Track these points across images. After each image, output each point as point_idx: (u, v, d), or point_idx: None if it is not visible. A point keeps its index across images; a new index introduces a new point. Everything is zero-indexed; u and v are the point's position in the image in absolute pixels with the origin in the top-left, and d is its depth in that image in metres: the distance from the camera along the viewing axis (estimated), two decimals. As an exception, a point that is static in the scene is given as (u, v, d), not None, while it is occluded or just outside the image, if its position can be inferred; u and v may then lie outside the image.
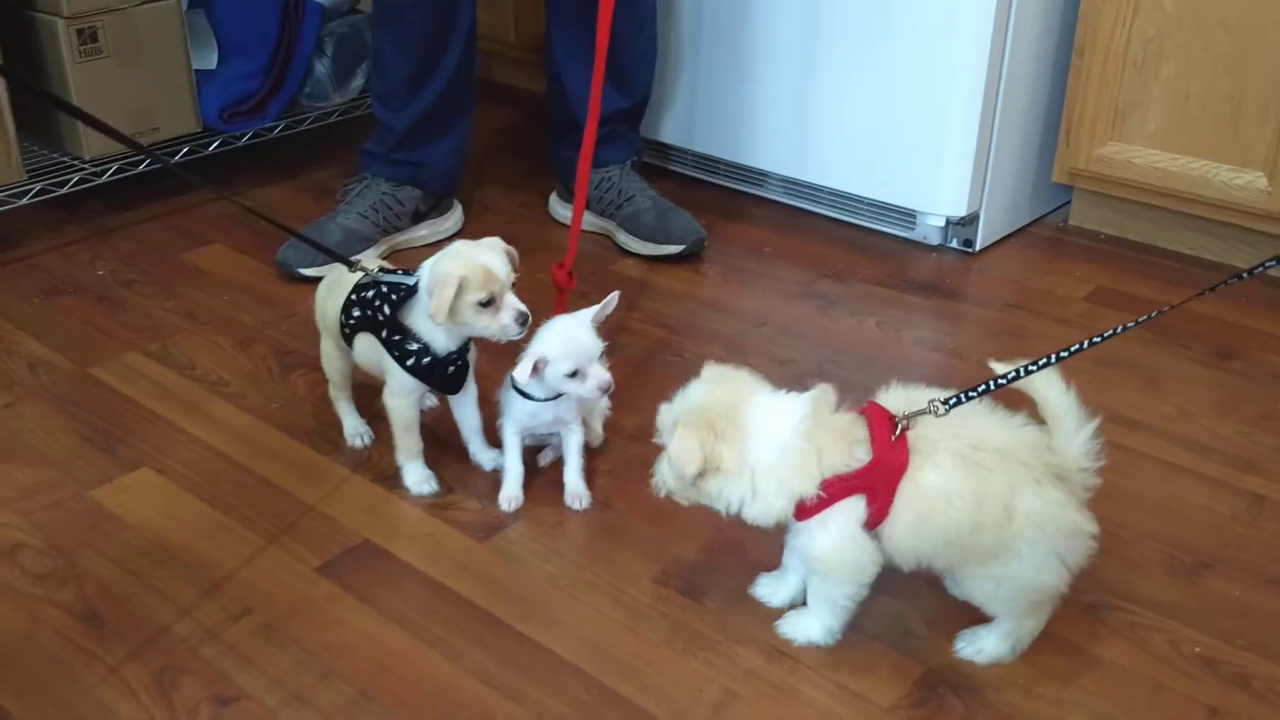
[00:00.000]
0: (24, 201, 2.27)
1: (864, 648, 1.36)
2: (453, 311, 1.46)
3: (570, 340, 1.49)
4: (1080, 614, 1.40)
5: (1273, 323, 2.07)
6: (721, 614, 1.41)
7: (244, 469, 1.67)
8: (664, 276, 2.26)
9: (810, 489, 1.22)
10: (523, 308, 1.50)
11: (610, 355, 1.94)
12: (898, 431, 1.22)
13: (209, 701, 1.28)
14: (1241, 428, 1.78)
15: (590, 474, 1.64)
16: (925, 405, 1.23)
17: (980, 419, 1.25)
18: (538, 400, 1.54)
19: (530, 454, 1.69)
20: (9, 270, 2.22)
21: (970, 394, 1.24)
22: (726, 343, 2.03)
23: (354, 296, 1.57)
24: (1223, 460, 1.70)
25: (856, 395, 1.78)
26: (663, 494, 1.31)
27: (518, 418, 1.57)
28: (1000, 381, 1.24)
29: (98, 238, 2.36)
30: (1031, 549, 1.22)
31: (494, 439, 1.65)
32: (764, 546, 1.52)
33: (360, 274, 1.56)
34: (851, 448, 1.22)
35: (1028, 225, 2.46)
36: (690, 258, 2.30)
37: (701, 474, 1.24)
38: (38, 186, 2.28)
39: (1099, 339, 1.28)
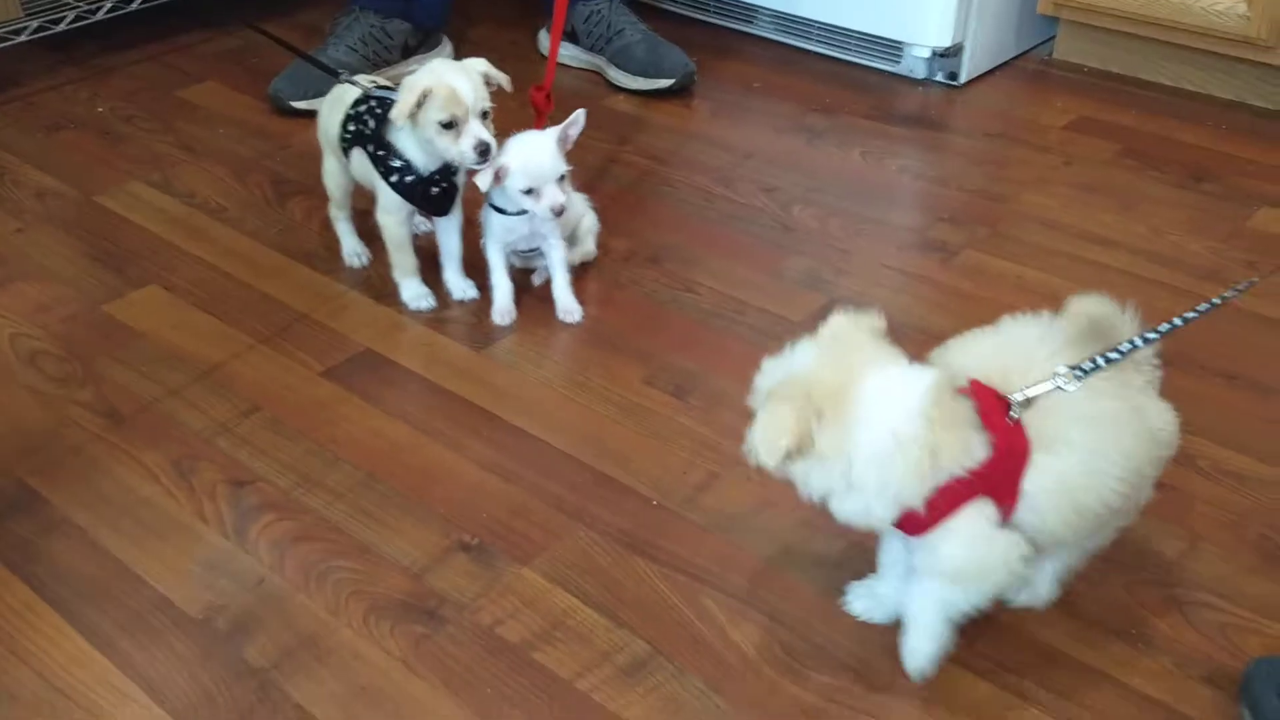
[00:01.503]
0: (22, 39, 2.29)
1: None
2: (415, 121, 1.49)
3: (530, 157, 1.54)
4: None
5: (1247, 148, 2.12)
6: (706, 410, 1.50)
7: (247, 286, 1.74)
8: (654, 111, 2.30)
9: (919, 499, 1.02)
10: (485, 137, 1.50)
11: (601, 184, 2.00)
12: (1013, 415, 1.03)
13: (225, 484, 1.38)
14: (1210, 243, 1.84)
15: (580, 292, 1.71)
16: (1048, 384, 1.03)
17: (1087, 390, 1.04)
18: (510, 214, 1.60)
19: (523, 276, 1.75)
20: (11, 108, 2.26)
21: (1103, 359, 1.05)
22: (714, 174, 2.07)
23: (351, 112, 1.61)
24: (1189, 271, 1.77)
25: (842, 219, 1.84)
26: (754, 465, 1.05)
27: (496, 234, 1.63)
28: (1143, 340, 1.08)
29: (95, 77, 2.39)
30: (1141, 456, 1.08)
31: (473, 268, 1.71)
32: (747, 353, 1.60)
33: (359, 91, 1.60)
34: (968, 444, 1.01)
35: (1014, 59, 2.48)
36: (680, 93, 2.33)
37: (790, 455, 1.02)
38: (35, 24, 2.30)
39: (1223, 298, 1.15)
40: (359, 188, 1.71)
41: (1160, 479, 1.14)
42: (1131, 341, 1.07)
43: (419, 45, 2.37)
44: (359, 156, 1.62)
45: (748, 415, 1.47)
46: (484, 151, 1.51)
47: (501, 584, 1.24)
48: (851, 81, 2.41)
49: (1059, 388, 1.03)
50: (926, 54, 2.36)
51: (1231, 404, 1.50)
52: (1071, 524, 1.05)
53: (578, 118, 1.59)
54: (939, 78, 2.38)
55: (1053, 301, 1.64)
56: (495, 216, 1.62)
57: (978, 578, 1.07)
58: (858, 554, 1.27)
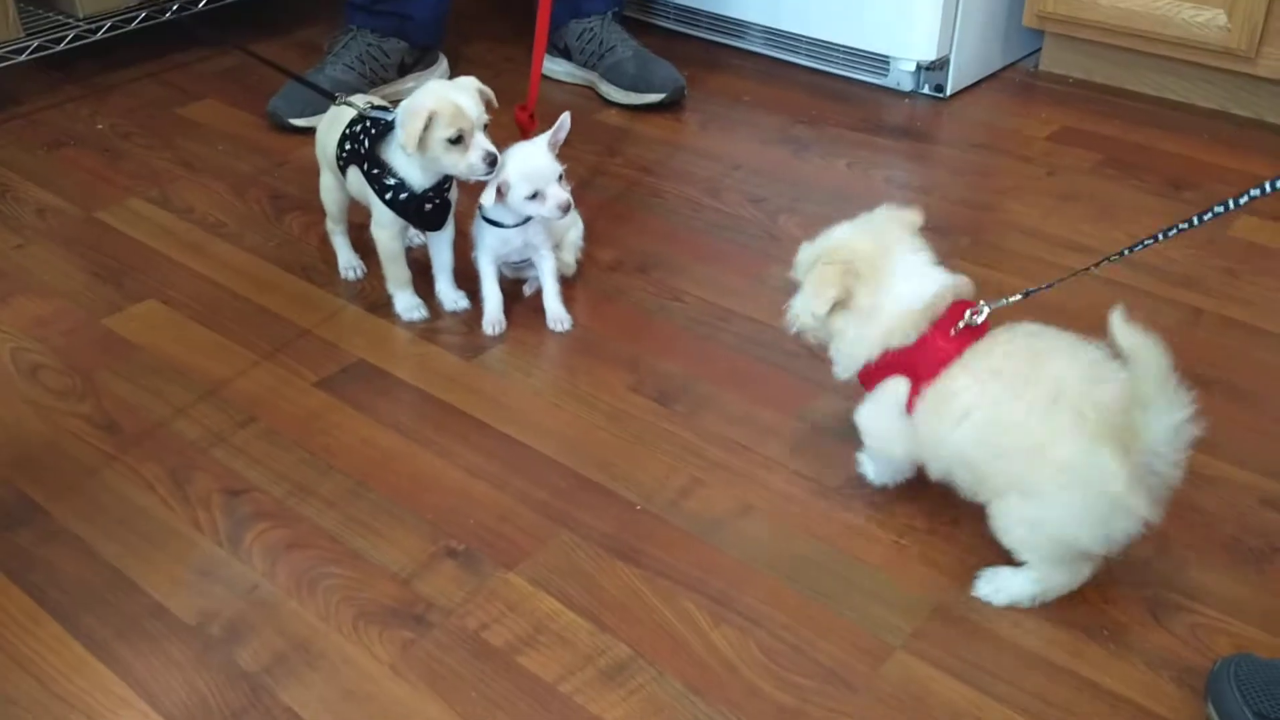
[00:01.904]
0: (23, 58, 2.33)
1: (817, 442, 1.48)
2: (423, 145, 1.53)
3: (527, 163, 1.58)
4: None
5: (1227, 157, 2.15)
6: (690, 417, 1.53)
7: (244, 299, 1.78)
8: (645, 124, 2.34)
9: (868, 355, 1.24)
10: (491, 148, 1.55)
11: (590, 195, 2.04)
12: (962, 324, 1.20)
13: (220, 493, 1.41)
14: (1189, 251, 1.87)
15: (569, 301, 1.75)
16: (1003, 299, 1.22)
17: (1064, 356, 1.18)
18: (506, 226, 1.64)
19: (514, 287, 1.79)
20: (12, 126, 2.30)
21: (1046, 286, 1.23)
22: (703, 184, 2.11)
23: (347, 131, 1.65)
24: (1167, 279, 1.80)
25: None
26: (794, 331, 1.30)
27: (490, 245, 1.67)
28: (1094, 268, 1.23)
29: (95, 95, 2.43)
30: (1067, 500, 1.13)
31: (465, 278, 1.74)
32: (732, 361, 1.64)
33: (355, 111, 1.64)
34: (915, 327, 1.21)
35: (1000, 71, 2.52)
36: (671, 106, 2.37)
37: (833, 310, 1.23)
38: (35, 43, 2.35)
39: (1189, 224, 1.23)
40: (355, 203, 1.75)
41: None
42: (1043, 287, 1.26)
43: (415, 63, 2.41)
44: (355, 174, 1.66)
45: (731, 419, 1.52)
46: (492, 162, 1.55)
47: (487, 589, 1.27)
48: (839, 94, 2.44)
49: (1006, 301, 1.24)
50: (913, 67, 2.39)
51: (1208, 409, 1.50)
52: (932, 444, 1.22)
53: (564, 122, 1.63)
54: (925, 90, 2.42)
55: (1028, 308, 1.67)
56: (489, 230, 1.66)
57: (869, 436, 1.32)
58: (838, 557, 1.31)
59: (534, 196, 1.58)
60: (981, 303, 1.23)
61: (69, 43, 2.39)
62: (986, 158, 2.20)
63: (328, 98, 1.69)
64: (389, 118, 1.60)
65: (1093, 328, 1.67)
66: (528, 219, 1.64)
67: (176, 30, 2.56)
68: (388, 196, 1.62)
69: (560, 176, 1.60)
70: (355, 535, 1.34)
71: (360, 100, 1.68)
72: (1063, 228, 1.94)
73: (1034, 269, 1.83)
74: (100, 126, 2.31)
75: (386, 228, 1.67)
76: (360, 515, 1.37)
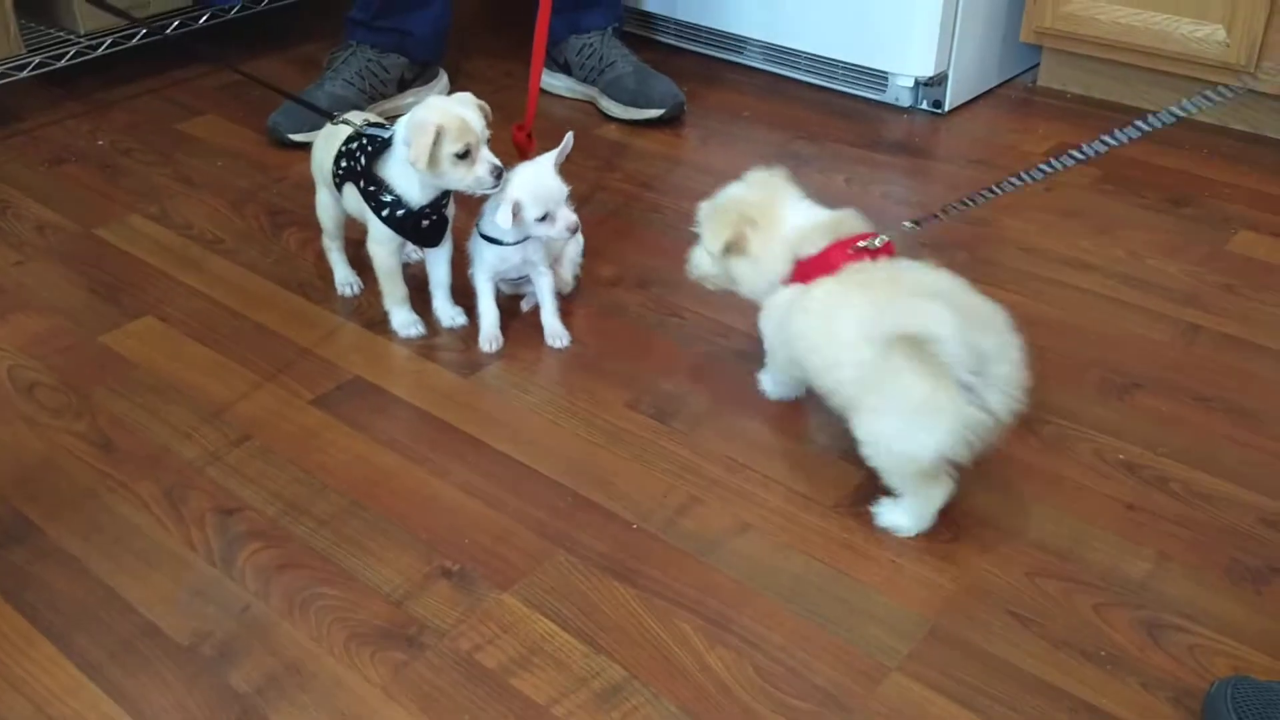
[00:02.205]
0: (24, 75, 2.34)
1: (814, 459, 1.48)
2: (431, 161, 1.53)
3: (538, 185, 1.58)
4: (1012, 427, 1.51)
5: (1228, 172, 2.15)
6: (688, 434, 1.53)
7: (241, 317, 1.78)
8: (644, 140, 2.34)
9: (781, 270, 1.41)
10: (497, 161, 1.56)
11: (589, 210, 2.04)
12: (861, 245, 1.35)
13: (214, 512, 1.41)
14: (1187, 267, 1.87)
15: (568, 317, 1.74)
16: (905, 224, 1.40)
17: (922, 278, 1.31)
18: (505, 244, 1.64)
19: (512, 302, 1.79)
20: (14, 142, 2.31)
21: (938, 214, 1.41)
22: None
23: (343, 148, 1.66)
24: (1166, 295, 1.80)
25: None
26: (694, 277, 1.53)
27: (489, 263, 1.67)
28: (958, 206, 1.39)
29: (96, 111, 2.43)
30: (892, 411, 1.25)
31: (462, 295, 1.74)
32: (730, 377, 1.64)
33: (351, 128, 1.65)
34: (821, 237, 1.38)
35: (997, 87, 2.52)
36: (670, 121, 2.37)
37: (729, 251, 1.42)
38: (36, 60, 2.35)
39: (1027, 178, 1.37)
40: (351, 219, 1.75)
41: (1126, 499, 1.15)
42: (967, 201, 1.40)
43: (415, 79, 2.42)
44: (351, 191, 1.66)
45: (729, 437, 1.52)
46: (498, 175, 1.56)
47: (481, 610, 1.26)
48: (838, 110, 2.45)
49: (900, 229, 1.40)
50: (911, 83, 2.39)
51: (1205, 427, 1.52)
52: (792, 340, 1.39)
53: (567, 142, 1.63)
54: (924, 105, 2.42)
55: (1028, 325, 1.67)
56: (488, 248, 1.66)
57: (766, 338, 1.48)
58: (834, 576, 1.30)
59: (544, 218, 1.58)
60: (882, 234, 1.39)
61: (70, 59, 2.40)
62: (984, 173, 2.19)
63: (325, 116, 1.69)
64: (385, 135, 1.60)
65: (1088, 341, 1.68)
66: (526, 237, 1.64)
67: (177, 47, 2.57)
68: (384, 213, 1.62)
69: (567, 197, 1.60)
70: (348, 555, 1.34)
71: (356, 117, 1.68)
72: (1061, 244, 1.94)
73: (1033, 286, 1.82)
74: (101, 143, 2.31)
75: (383, 244, 1.67)
76: (354, 535, 1.37)
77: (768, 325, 1.46)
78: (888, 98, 2.45)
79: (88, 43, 2.42)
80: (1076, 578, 1.29)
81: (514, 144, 1.90)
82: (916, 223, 1.42)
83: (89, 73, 2.50)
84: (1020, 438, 1.49)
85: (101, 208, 2.08)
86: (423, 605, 1.27)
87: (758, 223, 1.42)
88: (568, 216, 1.59)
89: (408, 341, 1.72)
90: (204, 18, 2.57)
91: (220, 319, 1.77)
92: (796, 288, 1.39)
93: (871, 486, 1.42)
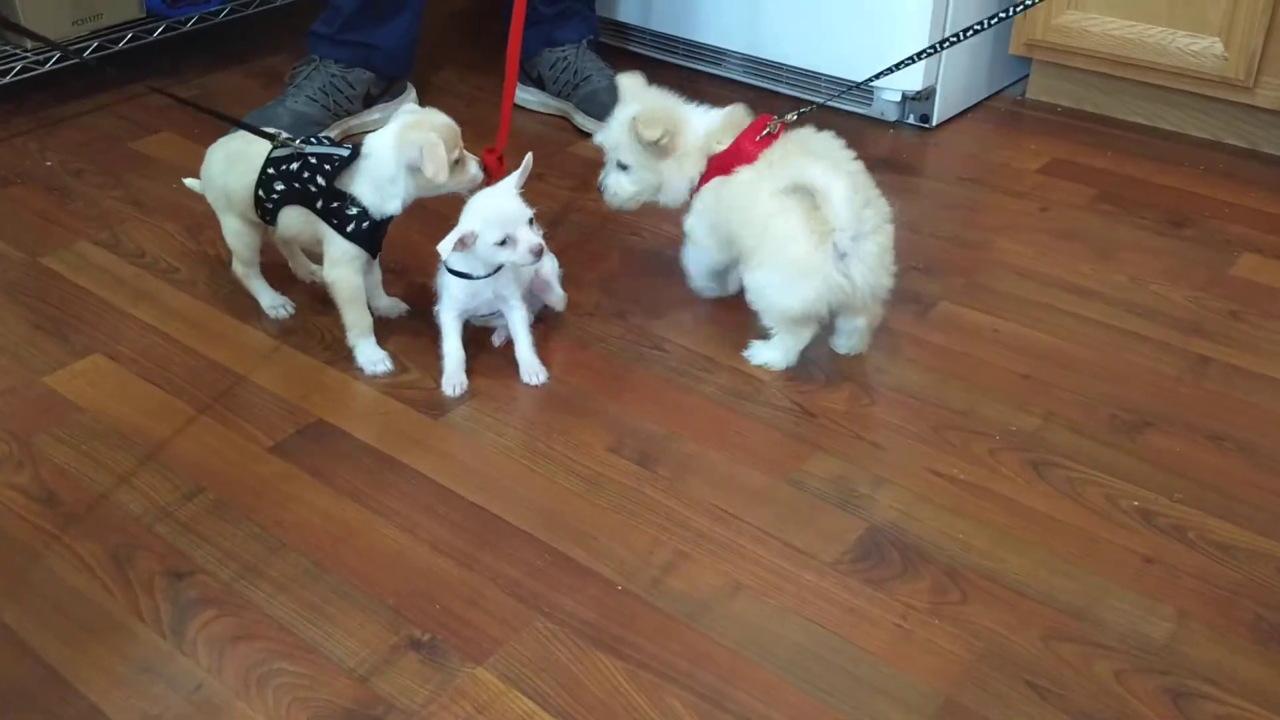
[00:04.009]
0: (-35, 91, 2.22)
1: (809, 508, 1.39)
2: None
3: (494, 208, 1.50)
4: (1021, 471, 1.43)
5: (1224, 190, 2.08)
6: (673, 481, 1.44)
7: (195, 353, 1.67)
8: (620, 157, 2.24)
9: (699, 169, 1.60)
10: (536, 240, 1.52)
11: (562, 233, 1.94)
12: (766, 131, 1.57)
13: (163, 576, 1.30)
14: (1191, 293, 1.79)
15: (544, 350, 1.65)
16: (790, 115, 1.61)
17: (816, 159, 1.51)
18: (475, 278, 1.54)
19: (484, 335, 1.69)
20: (-46, 163, 2.19)
21: (816, 106, 1.70)
22: (677, 218, 2.01)
23: (272, 171, 1.56)
24: (1171, 324, 1.72)
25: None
26: (615, 204, 1.68)
27: (458, 299, 1.57)
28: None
29: (44, 128, 2.31)
30: (774, 266, 1.51)
31: (411, 332, 1.65)
32: (716, 417, 1.54)
33: (281, 149, 1.57)
34: (727, 135, 1.58)
35: (985, 100, 2.44)
36: (647, 138, 2.27)
37: (661, 144, 1.57)
38: (-22, 75, 2.23)
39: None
40: (268, 244, 1.71)
41: (1143, 552, 1.08)
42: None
43: (381, 94, 2.31)
44: (296, 214, 1.58)
45: (717, 483, 1.42)
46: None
47: (454, 686, 1.16)
48: (822, 124, 2.34)
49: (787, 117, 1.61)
50: (898, 97, 2.31)
51: (1218, 468, 1.44)
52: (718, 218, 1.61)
53: (527, 163, 1.55)
54: (910, 120, 2.34)
55: (1030, 356, 1.59)
56: (456, 283, 1.56)
57: (693, 231, 1.67)
58: (836, 644, 1.21)
59: (504, 243, 1.49)
60: (775, 117, 1.60)
61: (16, 75, 2.28)
62: (976, 192, 2.11)
63: (269, 139, 1.59)
64: (342, 152, 1.55)
65: (1094, 375, 1.59)
66: (498, 268, 1.54)
67: (130, 60, 2.45)
68: (350, 228, 1.55)
69: (531, 220, 1.51)
70: (309, 624, 1.23)
71: (286, 137, 1.60)
72: (1059, 268, 1.85)
73: (1033, 313, 1.74)
74: (49, 163, 2.19)
75: (347, 263, 1.59)
76: (315, 600, 1.26)
77: (699, 221, 1.64)
78: (873, 112, 2.36)
79: (35, 57, 2.30)
80: (1095, 640, 1.21)
81: (485, 168, 1.79)
82: (801, 113, 1.63)
83: (37, 88, 2.38)
84: (1029, 482, 1.41)
85: (48, 234, 1.96)
86: (390, 681, 1.17)
87: (677, 126, 1.59)
88: (530, 238, 1.49)
89: (372, 380, 1.62)
90: (159, 30, 2.45)
91: (173, 357, 1.66)
92: (717, 180, 1.59)
93: (875, 537, 1.33)
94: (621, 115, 1.62)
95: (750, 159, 1.56)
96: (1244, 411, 1.54)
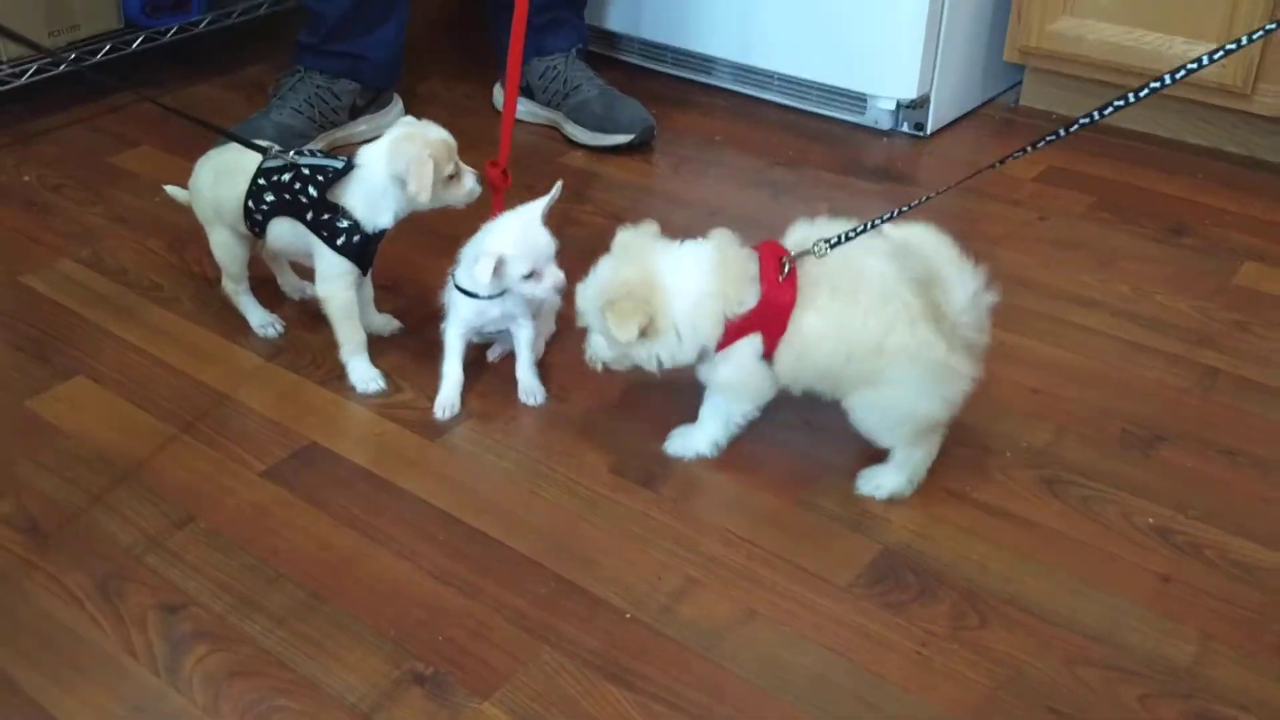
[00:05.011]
0: (-61, 105, 2.16)
1: (821, 530, 1.35)
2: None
3: (526, 240, 1.45)
4: (1035, 489, 1.40)
5: (1224, 198, 2.06)
6: (680, 503, 1.40)
7: (182, 374, 1.62)
8: (614, 167, 2.21)
9: (715, 335, 1.34)
10: (472, 169, 1.56)
11: (559, 247, 1.90)
12: (785, 271, 1.32)
13: (156, 609, 1.25)
14: (1196, 302, 1.77)
15: (543, 367, 1.61)
16: (811, 247, 1.32)
17: (868, 258, 1.30)
18: (481, 298, 1.50)
19: (479, 350, 1.65)
20: (-72, 178, 2.13)
21: (850, 234, 1.31)
22: (679, 232, 1.95)
23: (262, 182, 1.52)
24: (1178, 335, 1.69)
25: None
26: (599, 368, 1.42)
27: (465, 318, 1.53)
28: (878, 221, 1.32)
29: (21, 143, 2.26)
30: (905, 379, 1.29)
31: (429, 340, 1.61)
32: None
33: (273, 160, 1.54)
34: (744, 291, 1.32)
35: (979, 107, 2.42)
36: (640, 147, 2.24)
37: (640, 339, 1.32)
38: (-47, 89, 2.18)
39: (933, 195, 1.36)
40: (255, 258, 1.68)
41: (1160, 570, 1.05)
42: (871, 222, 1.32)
43: (368, 105, 2.27)
44: (286, 226, 1.54)
45: (725, 506, 1.39)
46: (480, 180, 1.56)
47: (461, 723, 1.12)
48: (815, 133, 2.33)
49: (815, 253, 1.31)
50: (892, 105, 2.29)
51: (1234, 484, 1.42)
52: (802, 371, 1.35)
53: (556, 191, 1.52)
54: (905, 128, 2.31)
55: (1038, 370, 1.56)
56: (464, 301, 1.51)
57: (737, 393, 1.41)
58: (855, 673, 1.17)
59: (529, 276, 1.45)
60: (788, 258, 1.33)
61: (-9, 88, 2.23)
62: (973, 202, 2.09)
63: (259, 151, 1.55)
64: (337, 164, 1.52)
65: (1105, 389, 1.57)
66: (505, 290, 1.50)
67: (109, 71, 2.39)
68: (340, 241, 1.52)
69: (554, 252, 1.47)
70: (307, 658, 1.19)
71: (277, 148, 1.57)
72: (1062, 278, 1.83)
73: (1039, 325, 1.72)
74: (27, 178, 2.14)
75: (338, 278, 1.55)
76: (313, 633, 1.22)
77: (739, 378, 1.38)
78: (867, 120, 2.34)
79: (10, 70, 2.25)
80: (1118, 664, 1.18)
81: (489, 181, 1.75)
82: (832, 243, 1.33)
83: (13, 101, 2.32)
84: (1044, 501, 1.38)
85: (28, 252, 1.91)
86: (393, 717, 1.13)
87: (652, 300, 1.32)
88: (556, 275, 1.46)
89: (367, 400, 1.58)
90: (138, 41, 2.40)
91: (160, 378, 1.61)
92: (749, 341, 1.34)
93: (889, 559, 1.30)
94: (591, 287, 1.38)
95: (790, 304, 1.31)
96: (1256, 425, 1.52)
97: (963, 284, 1.25)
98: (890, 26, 2.19)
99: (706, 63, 2.49)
